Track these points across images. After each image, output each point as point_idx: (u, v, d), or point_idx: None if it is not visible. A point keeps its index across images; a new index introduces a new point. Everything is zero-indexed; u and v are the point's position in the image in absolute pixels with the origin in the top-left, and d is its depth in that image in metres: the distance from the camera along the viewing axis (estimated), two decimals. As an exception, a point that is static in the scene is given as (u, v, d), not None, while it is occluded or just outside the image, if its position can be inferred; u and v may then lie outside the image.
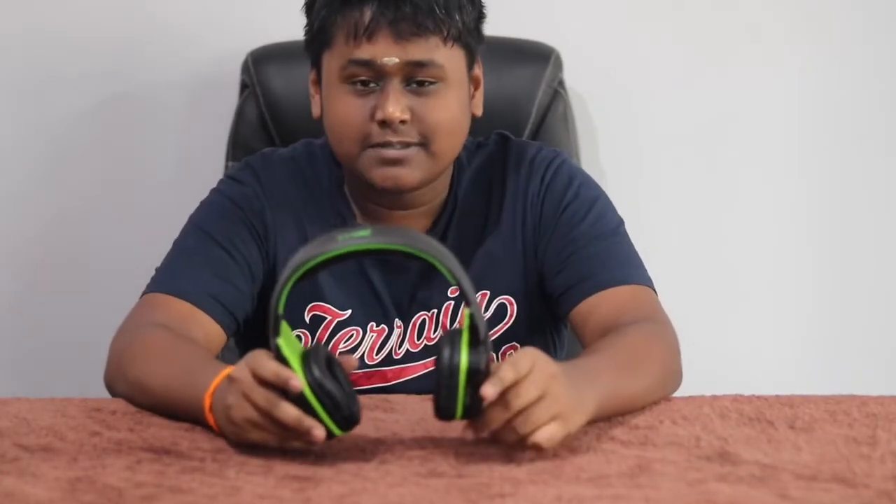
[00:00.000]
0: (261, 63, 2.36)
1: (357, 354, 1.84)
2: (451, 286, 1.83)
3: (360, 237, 1.38)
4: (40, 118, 2.55)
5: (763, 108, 2.59)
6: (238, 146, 2.35)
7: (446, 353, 1.37)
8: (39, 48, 2.53)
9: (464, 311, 1.39)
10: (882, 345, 2.65)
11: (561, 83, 2.41)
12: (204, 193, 1.91)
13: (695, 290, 2.60)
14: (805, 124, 2.60)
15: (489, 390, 1.36)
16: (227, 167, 2.35)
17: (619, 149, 2.58)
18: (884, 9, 2.58)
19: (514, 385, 1.37)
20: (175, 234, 1.87)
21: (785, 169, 2.61)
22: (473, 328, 1.38)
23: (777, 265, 2.64)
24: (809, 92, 2.59)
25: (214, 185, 1.85)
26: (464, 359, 1.37)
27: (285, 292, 1.38)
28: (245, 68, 2.37)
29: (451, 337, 1.38)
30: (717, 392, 1.66)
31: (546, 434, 1.38)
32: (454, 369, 1.36)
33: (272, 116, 2.33)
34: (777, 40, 2.58)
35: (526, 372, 1.37)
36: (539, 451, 1.40)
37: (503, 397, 1.37)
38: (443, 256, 1.39)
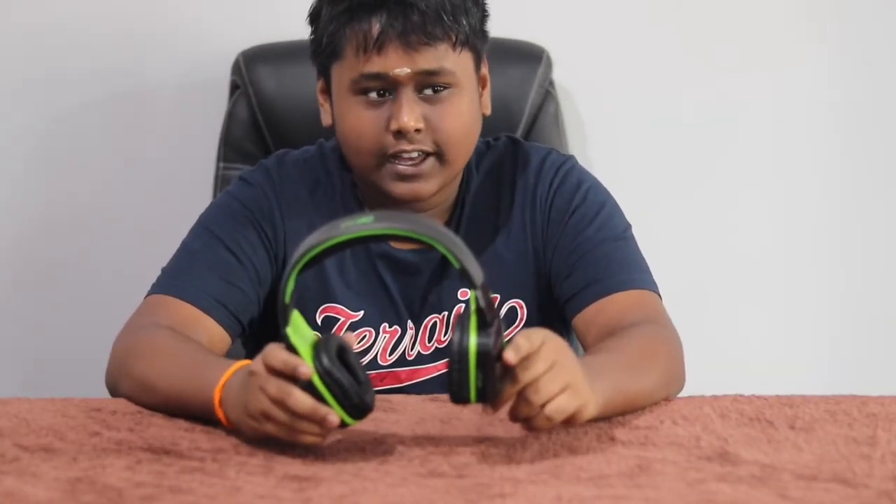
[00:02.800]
0: (252, 63, 2.35)
1: (370, 356, 1.84)
2: (461, 289, 1.83)
3: (362, 223, 1.37)
4: (28, 120, 2.55)
5: (755, 107, 2.59)
6: (229, 147, 2.35)
7: (455, 337, 1.37)
8: (26, 49, 2.53)
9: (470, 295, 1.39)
10: (882, 345, 2.65)
11: (551, 83, 2.41)
12: (196, 194, 1.90)
13: (691, 291, 2.59)
14: (799, 123, 2.60)
15: (510, 355, 1.37)
16: (218, 168, 2.35)
17: (606, 146, 2.58)
18: (875, 6, 2.58)
19: (523, 359, 1.38)
20: (167, 234, 1.87)
21: (780, 167, 2.61)
22: (480, 311, 1.37)
23: (776, 265, 2.64)
24: (804, 90, 2.59)
25: (206, 186, 1.84)
26: (473, 341, 1.37)
27: (291, 281, 1.38)
28: (236, 69, 2.37)
29: (461, 321, 1.38)
30: (718, 392, 1.66)
31: (556, 405, 1.40)
32: (464, 353, 1.36)
33: (265, 117, 2.33)
34: (769, 38, 2.58)
35: (539, 344, 1.39)
36: (550, 426, 1.41)
37: (513, 373, 1.38)
38: (446, 239, 1.38)
